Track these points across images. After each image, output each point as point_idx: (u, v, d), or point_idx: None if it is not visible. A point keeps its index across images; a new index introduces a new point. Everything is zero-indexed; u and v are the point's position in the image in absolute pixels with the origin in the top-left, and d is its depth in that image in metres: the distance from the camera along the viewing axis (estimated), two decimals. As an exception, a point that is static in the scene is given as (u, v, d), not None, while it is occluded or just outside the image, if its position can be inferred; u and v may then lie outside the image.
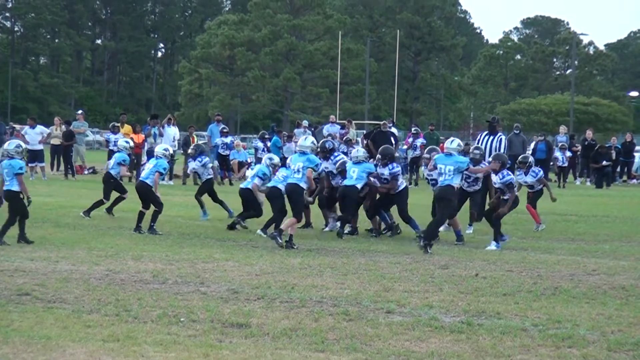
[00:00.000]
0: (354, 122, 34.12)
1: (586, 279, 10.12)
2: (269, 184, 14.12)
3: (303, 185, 13.04)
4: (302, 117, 47.44)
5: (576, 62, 70.10)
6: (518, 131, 22.83)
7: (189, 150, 17.84)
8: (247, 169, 29.71)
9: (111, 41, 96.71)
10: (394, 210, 14.39)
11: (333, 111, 49.92)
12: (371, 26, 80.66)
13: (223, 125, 28.82)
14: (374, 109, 71.01)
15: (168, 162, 14.81)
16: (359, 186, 14.00)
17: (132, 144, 17.53)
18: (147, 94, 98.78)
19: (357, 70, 66.68)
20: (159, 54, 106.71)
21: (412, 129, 31.59)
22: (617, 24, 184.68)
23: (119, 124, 27.32)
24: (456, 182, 12.80)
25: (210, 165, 16.61)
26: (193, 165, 16.41)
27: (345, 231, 14.13)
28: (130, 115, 52.32)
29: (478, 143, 17.44)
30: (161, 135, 26.13)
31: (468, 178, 14.06)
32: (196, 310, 7.84)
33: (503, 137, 18.29)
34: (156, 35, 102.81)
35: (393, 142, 24.27)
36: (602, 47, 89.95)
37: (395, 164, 14.23)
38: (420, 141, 28.86)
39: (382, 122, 27.80)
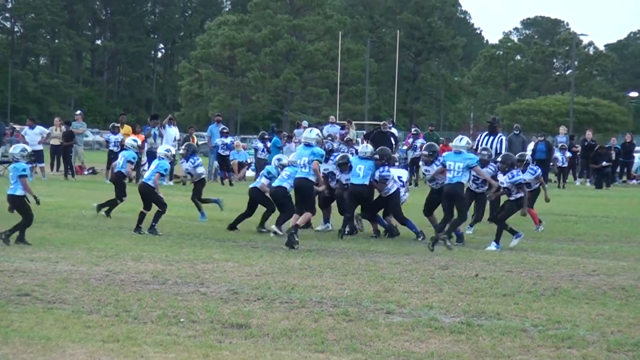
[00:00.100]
0: (354, 122, 34.14)
1: (586, 280, 10.12)
2: (273, 184, 14.14)
3: (312, 178, 13.06)
4: (302, 117, 47.45)
5: (576, 63, 70.10)
6: (518, 131, 22.83)
7: (180, 151, 17.81)
8: (247, 169, 29.83)
9: (111, 41, 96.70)
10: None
11: (333, 111, 49.94)
12: (371, 26, 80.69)
13: (223, 126, 28.82)
14: (374, 110, 71.03)
15: (170, 163, 14.82)
16: (368, 184, 14.00)
17: (139, 142, 17.58)
18: (147, 94, 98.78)
19: (357, 71, 66.70)
20: (159, 54, 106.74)
21: (412, 130, 31.59)
22: (617, 24, 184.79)
23: (118, 125, 27.31)
24: (465, 179, 12.82)
25: (201, 165, 16.47)
26: (186, 166, 16.33)
27: (347, 230, 14.11)
28: (130, 116, 52.35)
29: (478, 143, 17.44)
30: (161, 135, 26.13)
31: (476, 179, 14.02)
32: (196, 311, 7.84)
33: (503, 138, 18.31)
34: (156, 36, 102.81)
35: (393, 142, 24.32)
36: (602, 48, 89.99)
37: (387, 167, 14.14)
38: (420, 142, 28.84)
39: (382, 123, 27.83)
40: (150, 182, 14.12)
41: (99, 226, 14.60)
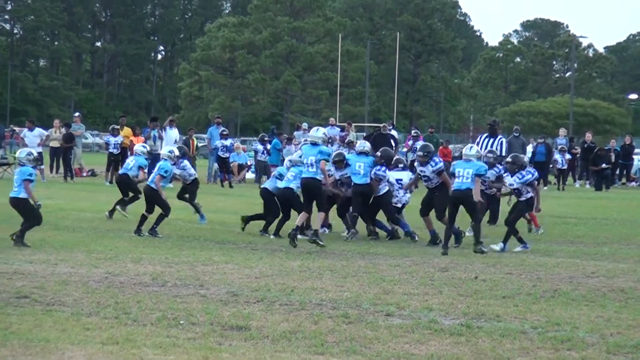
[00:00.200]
0: (353, 124, 34.13)
1: (585, 282, 10.12)
2: (280, 185, 14.14)
3: (320, 177, 13.05)
4: (302, 119, 47.57)
5: (576, 65, 70.13)
6: (518, 134, 22.81)
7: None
8: (247, 171, 29.85)
9: (111, 44, 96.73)
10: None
11: (333, 113, 49.93)
12: (371, 29, 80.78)
13: (223, 128, 28.83)
14: (374, 112, 71.10)
15: (172, 164, 14.80)
16: (369, 181, 14.02)
17: (149, 148, 17.58)
18: (146, 96, 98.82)
19: (357, 73, 66.75)
20: (159, 56, 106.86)
21: (412, 132, 31.58)
22: (616, 26, 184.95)
23: (118, 127, 27.31)
24: (473, 186, 12.84)
25: (190, 167, 16.41)
26: (176, 170, 16.22)
27: (347, 234, 14.09)
28: (130, 118, 52.35)
29: (478, 145, 17.43)
30: (161, 138, 26.13)
31: (484, 182, 14.02)
32: (195, 313, 7.83)
33: (503, 140, 18.30)
34: (156, 38, 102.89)
35: (393, 144, 24.31)
36: (601, 50, 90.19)
37: (385, 168, 14.14)
38: (420, 144, 28.83)
39: (382, 125, 27.86)
40: (152, 185, 14.12)
41: (99, 228, 14.60)
